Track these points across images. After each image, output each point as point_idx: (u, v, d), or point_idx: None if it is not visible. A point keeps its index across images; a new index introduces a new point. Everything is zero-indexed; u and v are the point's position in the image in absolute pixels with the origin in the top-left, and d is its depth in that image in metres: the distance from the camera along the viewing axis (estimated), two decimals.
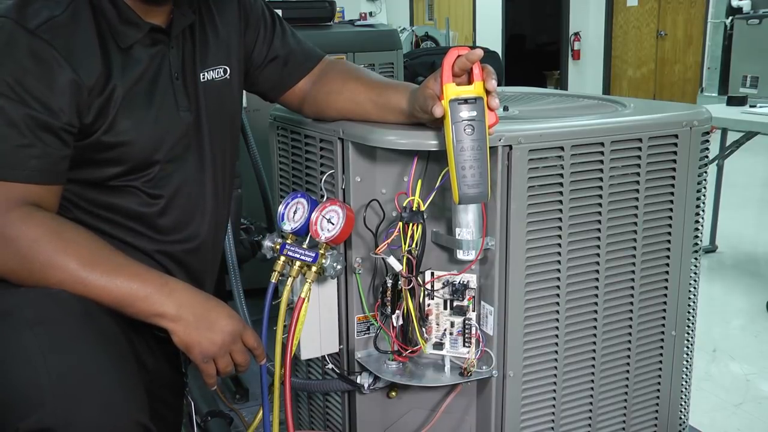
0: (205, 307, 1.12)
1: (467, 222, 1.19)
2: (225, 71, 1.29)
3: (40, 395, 0.93)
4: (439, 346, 1.27)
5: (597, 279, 1.30)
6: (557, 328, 1.28)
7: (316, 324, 1.31)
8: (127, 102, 1.14)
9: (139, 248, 1.22)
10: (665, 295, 1.39)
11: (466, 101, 1.09)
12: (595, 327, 1.32)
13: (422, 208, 1.20)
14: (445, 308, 1.26)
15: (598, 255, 1.29)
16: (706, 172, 1.41)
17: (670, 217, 1.35)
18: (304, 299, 1.21)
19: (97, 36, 1.12)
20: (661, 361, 1.41)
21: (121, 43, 1.14)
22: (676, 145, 1.32)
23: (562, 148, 1.21)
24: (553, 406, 1.31)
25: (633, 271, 1.33)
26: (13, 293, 1.03)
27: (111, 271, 1.07)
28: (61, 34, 1.08)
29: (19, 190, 1.06)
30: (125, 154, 1.15)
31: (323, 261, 1.21)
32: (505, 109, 1.45)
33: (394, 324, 1.26)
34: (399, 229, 1.20)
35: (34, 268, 1.05)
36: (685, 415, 1.53)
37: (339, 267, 1.23)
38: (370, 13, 9.14)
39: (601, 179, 1.26)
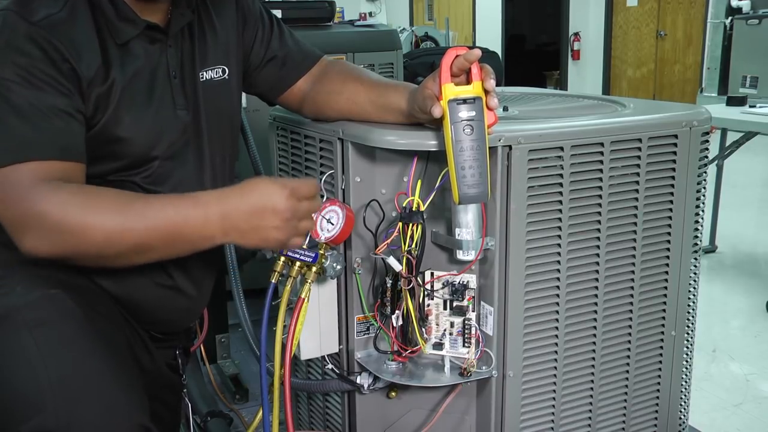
0: (247, 212, 1.09)
1: (467, 222, 1.19)
2: (224, 71, 1.29)
3: (40, 398, 0.93)
4: (438, 346, 1.27)
5: (597, 279, 1.30)
6: (557, 328, 1.28)
7: (315, 324, 1.31)
8: (126, 97, 1.14)
9: None
10: (665, 295, 1.39)
11: (464, 101, 1.10)
12: (594, 327, 1.32)
13: (422, 208, 1.20)
14: (445, 308, 1.26)
15: (597, 255, 1.29)
16: (705, 172, 1.41)
17: (670, 218, 1.35)
18: (303, 299, 1.21)
19: (95, 31, 1.12)
20: (660, 361, 1.41)
21: (117, 39, 1.14)
22: (675, 145, 1.32)
23: (561, 149, 1.21)
24: (553, 406, 1.31)
25: (633, 271, 1.33)
26: (11, 296, 1.03)
27: (147, 209, 1.04)
28: (60, 29, 1.08)
29: (43, 168, 1.03)
30: (124, 149, 1.15)
31: (323, 261, 1.21)
32: (505, 109, 1.45)
33: (394, 324, 1.26)
34: (399, 229, 1.20)
35: (75, 232, 1.00)
36: (684, 415, 1.53)
37: (339, 267, 1.23)
38: (370, 14, 9.13)
39: (600, 179, 1.26)
